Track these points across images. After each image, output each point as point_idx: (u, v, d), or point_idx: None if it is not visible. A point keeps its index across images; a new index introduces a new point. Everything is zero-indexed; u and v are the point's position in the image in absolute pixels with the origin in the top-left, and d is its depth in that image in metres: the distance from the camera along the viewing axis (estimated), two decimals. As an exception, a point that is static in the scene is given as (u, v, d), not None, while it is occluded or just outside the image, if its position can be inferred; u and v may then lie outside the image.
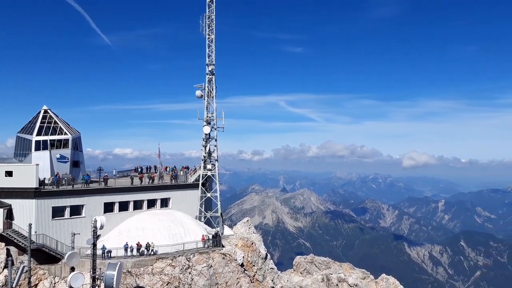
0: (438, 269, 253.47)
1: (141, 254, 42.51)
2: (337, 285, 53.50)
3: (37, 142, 48.99)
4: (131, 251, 42.47)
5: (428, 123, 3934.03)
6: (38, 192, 43.24)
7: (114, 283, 24.96)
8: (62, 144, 50.11)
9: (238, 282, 44.09)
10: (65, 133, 50.61)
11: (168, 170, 60.35)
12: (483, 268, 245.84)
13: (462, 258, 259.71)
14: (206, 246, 45.98)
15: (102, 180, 49.68)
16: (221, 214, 52.88)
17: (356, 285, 53.71)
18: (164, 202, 52.69)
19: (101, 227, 26.30)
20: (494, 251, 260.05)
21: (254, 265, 49.05)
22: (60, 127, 51.19)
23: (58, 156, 49.61)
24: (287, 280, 53.38)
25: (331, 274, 54.94)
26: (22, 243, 40.67)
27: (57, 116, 52.80)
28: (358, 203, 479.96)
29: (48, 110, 52.63)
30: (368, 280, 56.53)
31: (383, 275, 57.29)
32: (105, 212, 46.56)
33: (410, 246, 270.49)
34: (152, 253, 42.71)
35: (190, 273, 41.39)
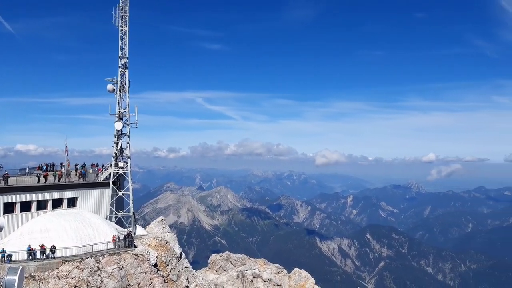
0: (347, 261, 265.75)
1: (46, 257, 39.77)
2: (251, 281, 54.36)
3: None
4: (34, 254, 39.65)
5: (340, 123, 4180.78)
6: None
7: (15, 288, 23.75)
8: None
9: (151, 282, 43.18)
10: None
11: (76, 167, 57.54)
12: (387, 259, 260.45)
13: (368, 250, 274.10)
14: (117, 247, 44.27)
15: (2, 178, 45.58)
16: (133, 213, 51.38)
17: (270, 280, 54.93)
18: (71, 202, 49.52)
19: (0, 229, 24.56)
20: (396, 243, 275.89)
21: (168, 265, 48.45)
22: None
23: None
24: (202, 279, 53.29)
25: (246, 270, 55.71)
26: None
27: None
28: (273, 200, 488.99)
29: None
30: (282, 275, 57.83)
31: (296, 269, 59.10)
32: (4, 213, 42.80)
33: (321, 240, 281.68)
34: (58, 255, 40.02)
35: (99, 275, 39.88)
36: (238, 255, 57.87)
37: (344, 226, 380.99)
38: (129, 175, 53.24)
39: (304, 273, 58.18)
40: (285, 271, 59.02)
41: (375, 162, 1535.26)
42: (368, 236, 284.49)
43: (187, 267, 51.55)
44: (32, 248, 39.96)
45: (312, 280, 57.85)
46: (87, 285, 38.87)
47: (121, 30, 51.99)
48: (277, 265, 60.63)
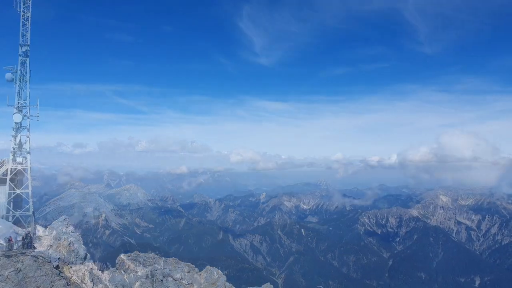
0: (258, 258, 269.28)
1: None
2: (161, 280, 53.67)
3: None
4: None
5: (254, 122, 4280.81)
6: None
7: None
8: None
9: (52, 285, 40.50)
10: None
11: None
12: (296, 253, 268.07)
13: (279, 246, 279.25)
14: (14, 248, 41.53)
15: None
16: (33, 212, 49.12)
17: (181, 279, 54.58)
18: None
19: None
20: (305, 238, 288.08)
21: (71, 267, 46.57)
22: None
23: None
24: (109, 280, 51.41)
25: (156, 270, 54.77)
26: None
27: None
28: (186, 198, 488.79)
29: None
30: (193, 273, 57.47)
31: (208, 267, 59.12)
32: None
33: (234, 237, 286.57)
34: None
35: (-6, 279, 37.39)
36: (148, 254, 56.33)
37: (257, 223, 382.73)
38: (29, 171, 50.19)
39: (215, 270, 58.32)
40: (196, 269, 58.68)
41: (289, 160, 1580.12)
42: (279, 232, 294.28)
43: (92, 269, 49.69)
44: None
45: (224, 278, 58.23)
46: (-21, 290, 36.44)
47: (23, 16, 49.19)
48: (189, 263, 59.98)
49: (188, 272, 57.65)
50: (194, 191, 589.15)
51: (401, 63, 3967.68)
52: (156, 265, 57.42)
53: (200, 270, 57.13)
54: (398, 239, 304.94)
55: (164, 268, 55.86)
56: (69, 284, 43.88)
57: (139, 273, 54.86)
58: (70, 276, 45.52)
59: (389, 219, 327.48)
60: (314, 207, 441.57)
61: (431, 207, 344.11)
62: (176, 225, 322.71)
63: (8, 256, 39.77)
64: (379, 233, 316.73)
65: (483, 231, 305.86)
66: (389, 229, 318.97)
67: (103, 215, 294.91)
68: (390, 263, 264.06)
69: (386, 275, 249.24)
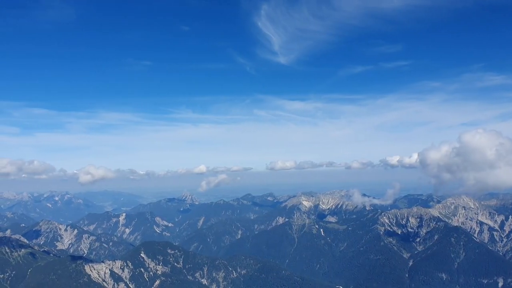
0: (120, 285, 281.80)
1: None
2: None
3: None
4: None
5: (106, 135, 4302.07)
6: None
7: None
8: None
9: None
10: None
11: None
12: (162, 276, 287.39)
13: (143, 269, 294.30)
14: None
15: None
16: None
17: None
18: None
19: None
20: (172, 258, 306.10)
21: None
22: None
23: None
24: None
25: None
26: None
27: None
28: (30, 226, 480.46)
29: None
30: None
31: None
32: None
33: (90, 266, 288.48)
34: None
35: None
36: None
37: (116, 247, 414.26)
38: None
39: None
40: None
41: (147, 175, 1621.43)
42: (142, 255, 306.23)
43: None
44: None
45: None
46: None
47: None
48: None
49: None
50: (40, 218, 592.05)
51: (421, 61, 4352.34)
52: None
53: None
54: (418, 239, 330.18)
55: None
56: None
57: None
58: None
59: (410, 219, 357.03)
60: (333, 207, 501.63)
61: (452, 207, 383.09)
62: (17, 259, 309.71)
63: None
64: (399, 233, 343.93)
65: (506, 232, 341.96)
66: (410, 229, 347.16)
67: None
68: (410, 263, 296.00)
69: (406, 275, 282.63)
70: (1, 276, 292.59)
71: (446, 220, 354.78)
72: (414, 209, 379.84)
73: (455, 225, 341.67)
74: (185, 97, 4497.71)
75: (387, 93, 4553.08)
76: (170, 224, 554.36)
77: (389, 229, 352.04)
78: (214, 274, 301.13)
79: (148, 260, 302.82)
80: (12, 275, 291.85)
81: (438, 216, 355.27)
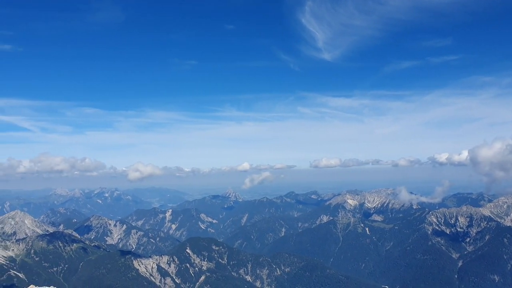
0: (166, 280, 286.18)
1: None
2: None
3: None
4: None
5: (153, 134, 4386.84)
6: None
7: None
8: None
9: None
10: None
11: None
12: (207, 272, 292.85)
13: (189, 265, 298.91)
14: None
15: None
16: None
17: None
18: None
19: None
20: (216, 254, 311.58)
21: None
22: None
23: None
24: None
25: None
26: None
27: None
28: (82, 222, 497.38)
29: None
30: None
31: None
32: None
33: (138, 260, 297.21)
34: None
35: None
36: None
37: (162, 242, 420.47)
38: None
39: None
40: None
41: (192, 173, 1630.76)
42: (188, 250, 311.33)
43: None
44: None
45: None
46: None
47: None
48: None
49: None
50: (91, 213, 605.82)
51: (471, 55, 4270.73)
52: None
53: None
54: (468, 239, 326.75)
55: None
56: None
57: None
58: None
59: (459, 218, 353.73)
60: (379, 205, 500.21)
61: (505, 206, 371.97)
62: (70, 253, 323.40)
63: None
64: (448, 233, 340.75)
65: None
66: (459, 229, 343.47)
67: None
68: (460, 264, 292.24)
69: (456, 276, 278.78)
70: (55, 269, 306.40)
71: (498, 220, 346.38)
72: (464, 208, 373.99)
73: (508, 225, 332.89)
74: (229, 95, 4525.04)
75: (435, 88, 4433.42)
76: (214, 221, 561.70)
77: (437, 228, 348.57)
78: (258, 271, 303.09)
79: (193, 256, 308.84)
80: (65, 268, 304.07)
81: (490, 216, 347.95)
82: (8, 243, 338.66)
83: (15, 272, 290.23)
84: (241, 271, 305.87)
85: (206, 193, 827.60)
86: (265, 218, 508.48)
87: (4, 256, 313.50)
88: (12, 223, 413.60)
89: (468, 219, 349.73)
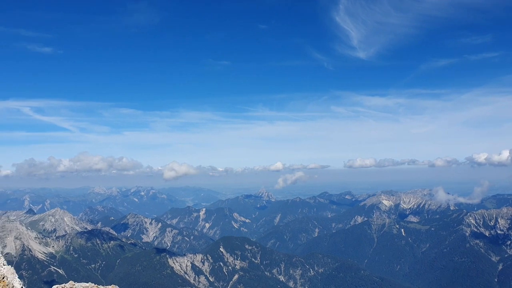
0: (200, 278, 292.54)
1: None
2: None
3: None
4: None
5: (187, 134, 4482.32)
6: None
7: None
8: None
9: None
10: None
11: None
12: (240, 271, 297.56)
13: (222, 264, 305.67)
14: None
15: None
16: None
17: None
18: None
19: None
20: (249, 254, 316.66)
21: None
22: None
23: None
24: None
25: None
26: None
27: None
28: (119, 219, 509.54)
29: None
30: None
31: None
32: None
33: (173, 258, 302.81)
34: None
35: None
36: (84, 284, 38.21)
37: (197, 241, 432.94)
38: None
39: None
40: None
41: (226, 172, 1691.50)
42: (221, 249, 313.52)
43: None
44: None
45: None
46: None
47: None
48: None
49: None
50: (127, 211, 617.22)
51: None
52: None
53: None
54: (509, 242, 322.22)
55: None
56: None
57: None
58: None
59: (499, 220, 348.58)
60: (415, 206, 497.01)
61: None
62: (107, 250, 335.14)
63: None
64: (487, 235, 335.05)
65: None
66: (499, 231, 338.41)
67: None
68: (500, 267, 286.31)
69: (496, 280, 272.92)
70: (93, 265, 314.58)
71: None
72: (504, 209, 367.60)
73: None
74: (262, 95, 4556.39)
75: (473, 87, 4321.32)
76: (247, 220, 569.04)
77: (476, 230, 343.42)
78: (291, 271, 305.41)
79: (227, 255, 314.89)
80: (102, 265, 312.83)
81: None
82: (48, 240, 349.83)
83: (55, 268, 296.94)
84: (274, 270, 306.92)
85: (239, 193, 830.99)
86: (298, 218, 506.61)
87: (44, 253, 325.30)
88: (52, 220, 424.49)
89: (508, 221, 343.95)
